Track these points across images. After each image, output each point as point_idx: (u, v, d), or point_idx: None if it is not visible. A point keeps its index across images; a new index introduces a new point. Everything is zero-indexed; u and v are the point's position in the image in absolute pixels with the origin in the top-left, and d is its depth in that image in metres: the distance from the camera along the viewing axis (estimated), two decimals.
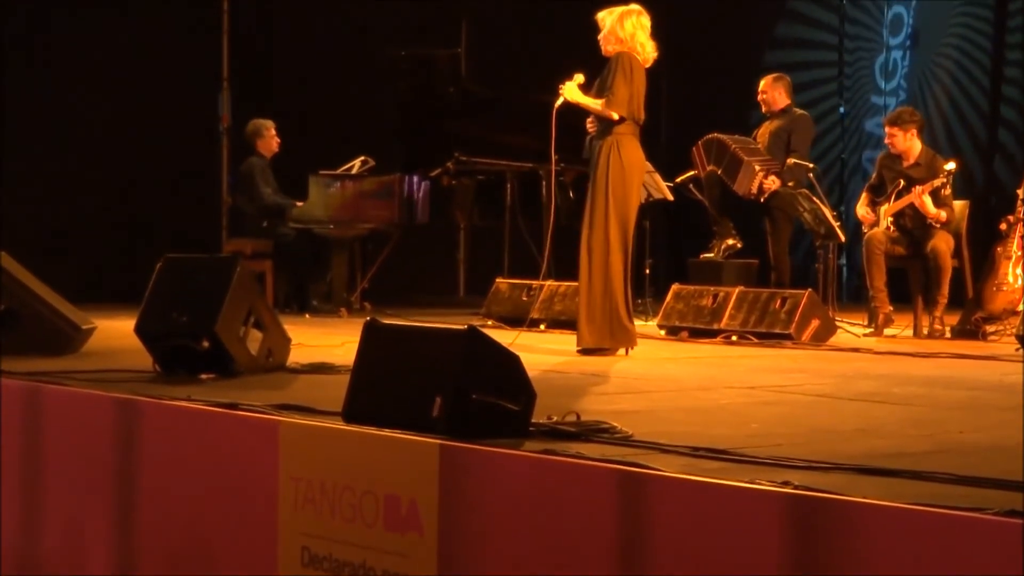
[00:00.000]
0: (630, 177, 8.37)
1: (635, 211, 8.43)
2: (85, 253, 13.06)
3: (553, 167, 9.40)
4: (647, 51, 8.43)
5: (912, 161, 10.29)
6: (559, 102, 8.47)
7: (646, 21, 8.44)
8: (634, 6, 8.49)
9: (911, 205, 10.14)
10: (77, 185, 13.31)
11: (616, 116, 8.30)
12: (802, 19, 16.30)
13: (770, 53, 16.18)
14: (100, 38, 13.33)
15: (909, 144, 10.27)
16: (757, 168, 10.97)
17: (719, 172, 11.14)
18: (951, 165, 10.18)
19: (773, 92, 11.39)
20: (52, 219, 13.03)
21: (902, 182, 10.22)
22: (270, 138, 12.65)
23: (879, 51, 15.63)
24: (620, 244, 8.32)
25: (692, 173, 11.51)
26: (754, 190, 10.96)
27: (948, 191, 10.12)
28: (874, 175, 10.68)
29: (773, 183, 10.94)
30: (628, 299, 8.36)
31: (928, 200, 10.04)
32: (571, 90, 8.43)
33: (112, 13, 13.33)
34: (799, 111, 11.55)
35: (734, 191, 11.06)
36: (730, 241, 11.27)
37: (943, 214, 10.10)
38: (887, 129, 10.35)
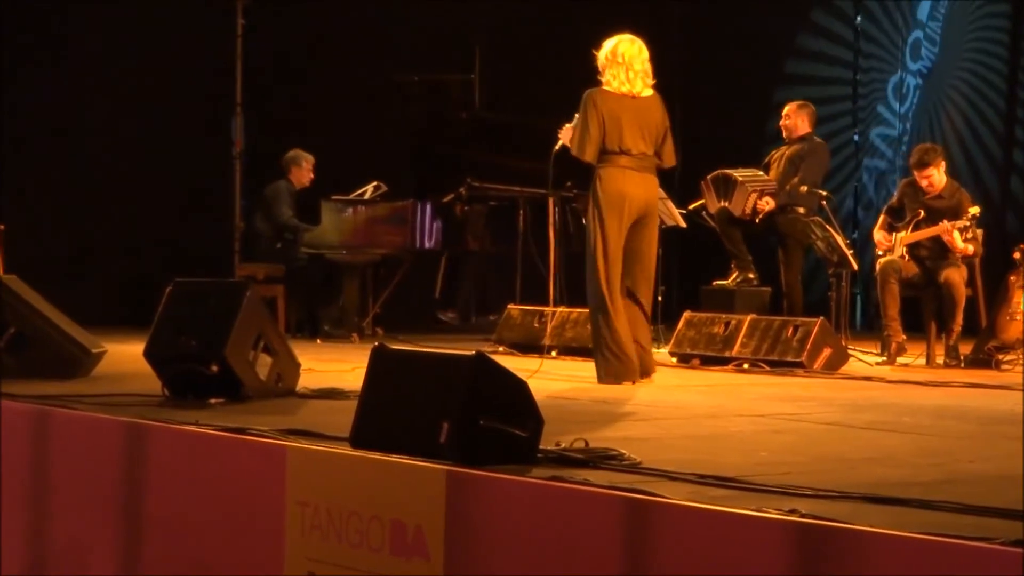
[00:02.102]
0: (607, 208, 8.34)
1: (615, 241, 8.36)
2: (95, 277, 13.08)
3: (551, 209, 9.44)
4: (615, 84, 8.41)
5: (936, 193, 10.25)
6: (557, 146, 8.57)
7: (623, 48, 8.42)
8: (618, 36, 8.51)
9: (930, 237, 10.11)
10: (88, 209, 13.34)
11: (583, 158, 8.38)
12: (815, 49, 16.30)
13: (782, 88, 16.18)
14: (115, 61, 13.38)
15: (940, 177, 10.24)
16: (750, 188, 10.99)
17: (726, 204, 11.14)
18: (975, 209, 10.11)
19: (796, 118, 11.37)
20: (63, 242, 13.05)
21: (922, 212, 10.19)
22: (306, 170, 12.75)
23: (894, 70, 15.62)
24: (602, 276, 8.33)
25: (700, 203, 11.50)
26: (748, 210, 10.97)
27: (971, 234, 10.07)
28: (895, 197, 10.65)
29: (767, 204, 10.95)
30: (620, 331, 8.33)
31: (958, 236, 9.98)
32: (565, 132, 8.50)
33: (127, 37, 13.37)
34: (818, 139, 11.53)
35: (732, 212, 11.08)
36: (750, 275, 11.27)
37: (971, 248, 10.07)
38: (919, 174, 10.24)
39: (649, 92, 8.49)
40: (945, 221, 10.04)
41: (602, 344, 8.36)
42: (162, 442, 5.49)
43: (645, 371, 8.48)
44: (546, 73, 14.89)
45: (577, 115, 8.48)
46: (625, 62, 8.39)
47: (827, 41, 16.22)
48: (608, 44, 8.47)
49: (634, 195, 8.38)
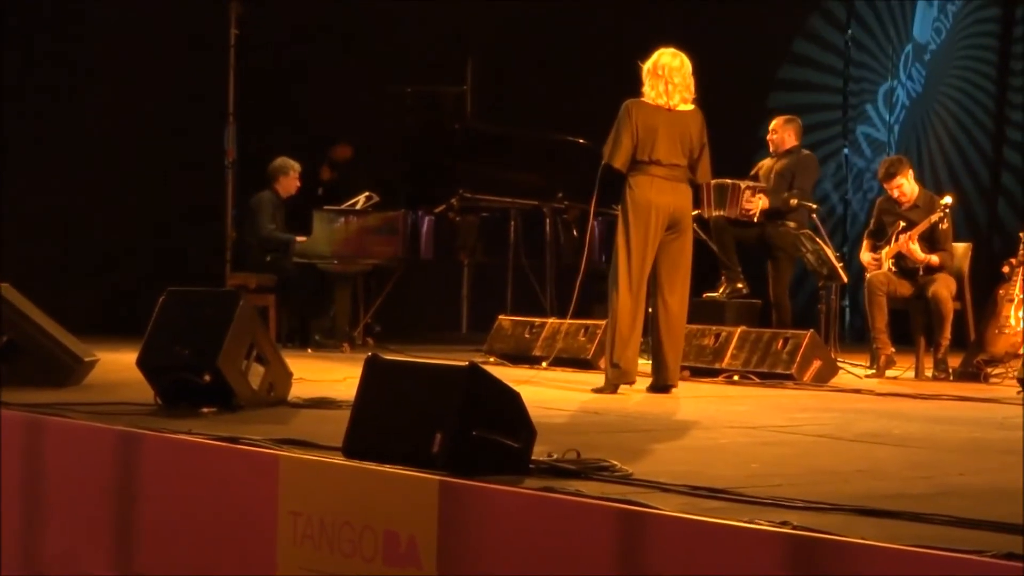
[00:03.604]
0: (634, 215, 8.43)
1: (639, 247, 8.42)
2: (88, 285, 13.08)
3: (592, 219, 9.47)
4: (652, 96, 8.51)
5: (911, 203, 10.31)
6: (603, 162, 8.62)
7: (665, 61, 8.52)
8: (662, 49, 8.59)
9: None
10: (80, 217, 13.35)
11: (613, 165, 8.46)
12: (807, 61, 16.34)
13: (774, 95, 16.23)
14: (107, 70, 13.39)
15: (911, 186, 10.31)
16: (743, 186, 11.03)
17: (722, 212, 11.16)
18: (947, 200, 10.20)
19: (784, 133, 11.42)
20: (56, 251, 13.05)
21: (902, 224, 10.23)
22: (292, 179, 12.76)
23: (886, 77, 15.66)
24: (623, 281, 8.38)
25: (695, 212, 11.49)
26: (744, 207, 11.00)
27: (946, 225, 10.12)
28: (872, 221, 10.70)
29: (761, 199, 10.98)
30: (620, 338, 8.38)
31: (916, 247, 10.07)
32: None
33: (120, 46, 13.38)
34: (805, 152, 11.58)
35: (729, 218, 11.09)
36: (739, 285, 11.29)
37: (934, 258, 10.11)
38: (888, 186, 10.34)
39: (689, 107, 8.57)
40: (903, 234, 10.12)
41: (608, 350, 8.45)
42: (155, 451, 5.49)
43: (667, 382, 8.54)
44: (539, 85, 14.93)
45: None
46: (665, 75, 8.48)
47: (822, 45, 16.26)
48: (652, 56, 8.56)
49: (663, 203, 8.47)
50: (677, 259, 8.58)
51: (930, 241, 10.17)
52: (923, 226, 10.07)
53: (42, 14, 13.17)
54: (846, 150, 15.92)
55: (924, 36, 15.47)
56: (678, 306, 8.63)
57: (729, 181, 11.15)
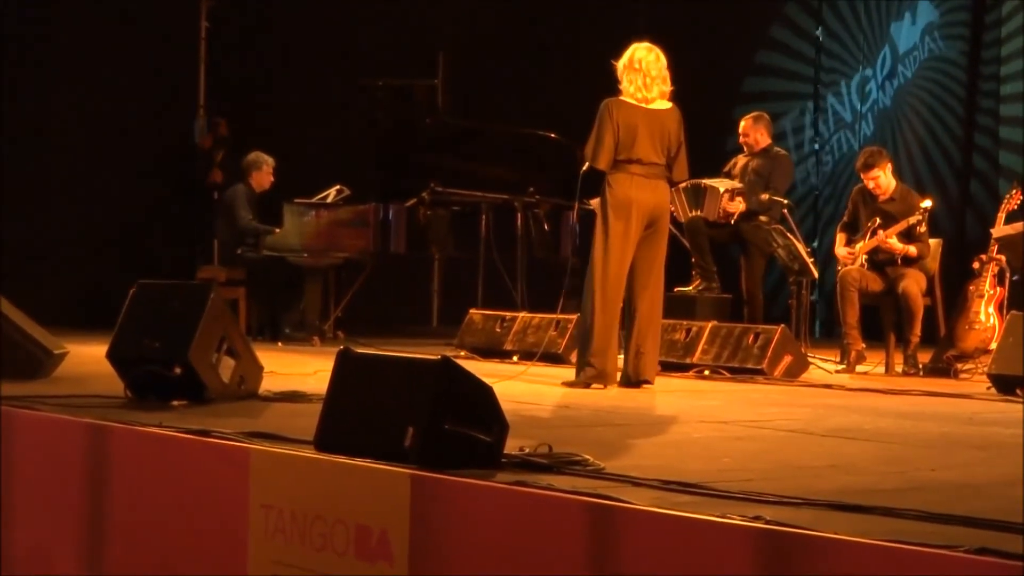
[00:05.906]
0: (614, 214, 8.43)
1: (617, 245, 8.43)
2: (58, 278, 13.03)
3: (575, 215, 9.49)
4: (631, 90, 8.51)
5: (887, 197, 10.33)
6: (585, 166, 8.60)
7: (640, 55, 8.54)
8: (635, 44, 8.59)
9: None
10: (50, 211, 13.29)
11: (596, 166, 8.48)
12: (779, 47, 16.37)
13: (748, 80, 16.25)
14: (78, 64, 13.34)
15: (887, 179, 10.33)
16: (722, 190, 11.04)
17: (699, 212, 11.17)
18: (927, 203, 10.22)
19: (755, 133, 11.43)
20: (24, 243, 12.99)
21: (878, 219, 10.25)
22: (266, 173, 12.72)
23: (860, 68, 15.70)
24: (601, 280, 8.39)
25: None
26: (721, 212, 11.02)
27: (924, 228, 10.15)
28: (847, 213, 10.70)
29: (739, 204, 11.01)
30: (599, 338, 8.38)
31: (894, 240, 10.10)
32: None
33: (90, 40, 13.33)
34: (779, 150, 11.61)
35: (706, 219, 11.11)
36: (713, 285, 11.31)
37: (912, 248, 10.13)
38: (865, 176, 10.35)
39: (667, 104, 8.59)
40: (880, 232, 10.14)
41: (583, 345, 8.45)
42: (125, 444, 5.47)
43: (641, 376, 8.54)
44: (510, 79, 14.93)
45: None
46: (643, 68, 8.50)
47: (798, 32, 16.29)
48: (626, 53, 8.56)
49: (643, 200, 8.48)
50: (654, 256, 8.59)
51: (908, 239, 10.19)
52: (901, 226, 10.08)
53: (9, 7, 13.09)
54: (816, 145, 15.95)
55: (904, 46, 15.49)
56: (655, 303, 8.64)
57: (704, 183, 11.15)
